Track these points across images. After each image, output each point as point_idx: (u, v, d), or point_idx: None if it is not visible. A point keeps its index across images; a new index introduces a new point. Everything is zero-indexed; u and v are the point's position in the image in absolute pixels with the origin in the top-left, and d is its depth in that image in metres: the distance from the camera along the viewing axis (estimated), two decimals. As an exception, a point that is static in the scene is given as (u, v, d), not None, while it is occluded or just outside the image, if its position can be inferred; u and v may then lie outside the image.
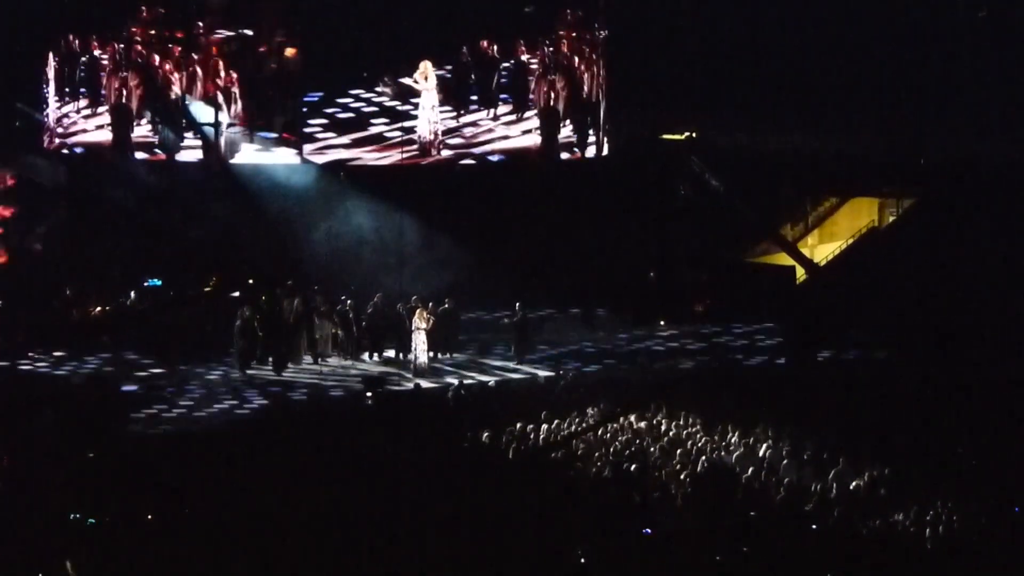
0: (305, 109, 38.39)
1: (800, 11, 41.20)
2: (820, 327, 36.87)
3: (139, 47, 38.21)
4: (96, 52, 38.61)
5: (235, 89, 37.95)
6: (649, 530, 20.94)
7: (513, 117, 39.16)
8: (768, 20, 41.59)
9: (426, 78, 38.42)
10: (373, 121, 38.56)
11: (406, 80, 38.32)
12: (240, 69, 38.06)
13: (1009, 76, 40.91)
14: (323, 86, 38.31)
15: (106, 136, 38.71)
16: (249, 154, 38.38)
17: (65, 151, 39.56)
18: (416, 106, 38.50)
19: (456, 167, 38.94)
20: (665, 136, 41.65)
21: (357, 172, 38.72)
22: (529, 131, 39.18)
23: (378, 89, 38.43)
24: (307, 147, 38.39)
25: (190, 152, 38.51)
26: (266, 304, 35.27)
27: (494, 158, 39.04)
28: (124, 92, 38.21)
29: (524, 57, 39.03)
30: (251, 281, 36.61)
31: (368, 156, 38.58)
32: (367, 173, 38.62)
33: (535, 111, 39.08)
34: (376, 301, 35.56)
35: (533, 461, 25.30)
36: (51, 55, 39.22)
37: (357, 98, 38.51)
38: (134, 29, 38.27)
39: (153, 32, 38.24)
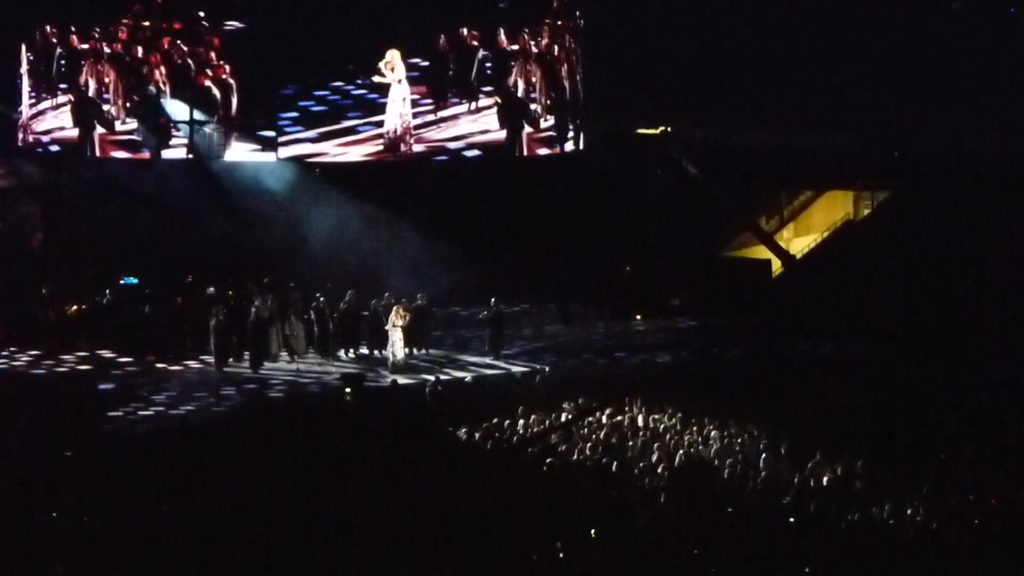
0: (279, 102, 38.01)
1: (775, 5, 41.27)
2: (795, 319, 37.04)
3: (123, 40, 37.65)
4: (76, 45, 38.00)
5: (232, 81, 37.42)
6: (627, 524, 20.98)
7: (494, 110, 38.71)
8: (744, 14, 41.65)
9: (393, 69, 37.40)
10: (348, 115, 38.09)
11: (375, 77, 37.78)
12: (238, 62, 37.50)
13: (983, 69, 41.05)
14: (302, 78, 37.81)
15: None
16: (243, 153, 37.97)
17: (39, 149, 39.27)
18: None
19: (431, 163, 38.56)
20: (640, 131, 41.66)
21: (331, 169, 38.42)
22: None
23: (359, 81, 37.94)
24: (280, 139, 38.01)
25: (177, 151, 37.99)
26: (233, 300, 35.23)
27: (469, 153, 38.67)
28: (98, 86, 37.81)
29: (505, 46, 38.27)
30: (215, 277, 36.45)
31: (334, 151, 38.07)
32: (342, 170, 38.34)
33: (505, 100, 38.32)
34: (349, 298, 35.47)
35: (510, 456, 25.32)
36: (24, 48, 38.78)
37: (335, 91, 38.05)
38: (125, 21, 37.76)
39: (148, 24, 37.66)
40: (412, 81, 37.73)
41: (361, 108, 37.84)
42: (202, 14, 37.39)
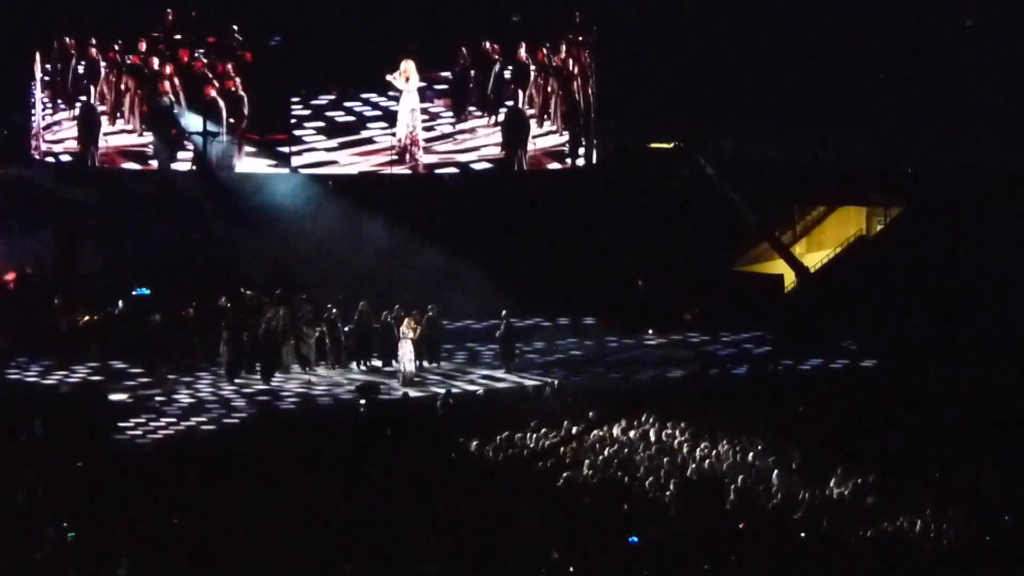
0: (308, 111, 37.99)
1: (788, 22, 41.32)
2: (808, 333, 36.99)
3: (142, 52, 37.68)
4: (95, 56, 37.99)
5: (241, 94, 37.26)
6: (637, 539, 20.94)
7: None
8: (757, 30, 41.69)
9: (407, 79, 37.54)
10: (369, 125, 37.99)
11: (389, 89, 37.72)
12: (268, 76, 37.42)
13: (996, 84, 41.06)
14: (336, 89, 37.73)
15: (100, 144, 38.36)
16: (259, 166, 37.96)
17: (50, 158, 39.33)
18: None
19: (442, 175, 38.51)
20: (652, 145, 41.67)
21: (343, 181, 38.38)
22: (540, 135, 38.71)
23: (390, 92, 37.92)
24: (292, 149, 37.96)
25: (186, 163, 38.01)
26: (231, 312, 35.20)
27: (477, 166, 38.63)
28: (116, 97, 37.78)
29: (524, 60, 38.23)
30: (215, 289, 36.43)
31: (346, 160, 37.99)
32: (353, 181, 38.30)
33: (508, 116, 38.33)
34: (361, 309, 35.42)
35: (522, 469, 25.30)
36: (38, 57, 38.76)
37: (365, 102, 38.04)
38: (155, 33, 37.81)
39: (179, 36, 37.67)
40: (437, 94, 37.75)
41: (386, 119, 37.78)
42: (235, 27, 37.41)
